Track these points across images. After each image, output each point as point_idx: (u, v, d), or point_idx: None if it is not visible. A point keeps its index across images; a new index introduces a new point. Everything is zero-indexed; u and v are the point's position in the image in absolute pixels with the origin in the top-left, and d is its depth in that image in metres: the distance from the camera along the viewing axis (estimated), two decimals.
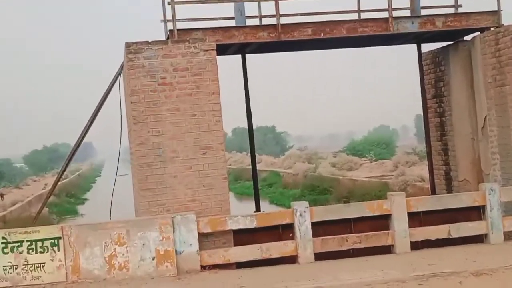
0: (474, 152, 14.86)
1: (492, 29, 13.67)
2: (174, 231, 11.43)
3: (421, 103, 16.29)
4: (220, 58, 12.84)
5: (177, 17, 12.63)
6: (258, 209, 15.32)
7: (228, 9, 13.56)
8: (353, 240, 12.09)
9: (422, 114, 16.60)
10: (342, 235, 12.12)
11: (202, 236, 11.67)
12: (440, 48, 15.73)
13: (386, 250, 12.20)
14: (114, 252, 11.26)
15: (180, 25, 12.69)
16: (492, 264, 10.48)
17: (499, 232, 12.35)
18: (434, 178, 16.31)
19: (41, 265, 11.14)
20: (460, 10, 14.04)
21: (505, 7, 13.70)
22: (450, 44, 15.24)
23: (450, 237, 12.32)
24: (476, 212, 12.59)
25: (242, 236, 12.07)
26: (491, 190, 12.40)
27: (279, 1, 13.04)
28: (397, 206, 12.17)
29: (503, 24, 13.45)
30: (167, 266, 11.30)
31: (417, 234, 12.23)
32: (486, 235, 12.43)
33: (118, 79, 13.51)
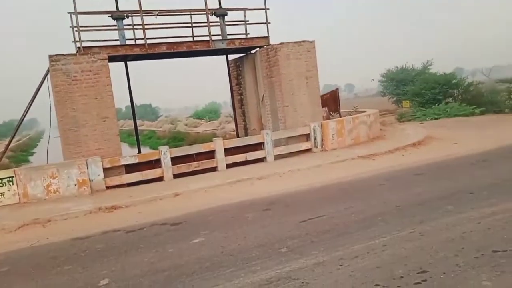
0: (258, 113, 15.63)
1: (265, 46, 14.38)
2: (87, 168, 11.20)
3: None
4: (111, 64, 12.42)
5: (82, 39, 12.04)
6: (139, 151, 15.38)
7: (115, 34, 13.06)
8: (195, 165, 12.47)
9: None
10: (189, 163, 12.45)
11: (105, 170, 11.51)
12: (238, 57, 16.23)
13: (213, 169, 12.65)
14: (49, 183, 10.90)
15: (84, 44, 12.13)
16: (268, 172, 11.47)
17: (271, 156, 13.27)
18: (238, 129, 16.97)
19: (2, 194, 10.63)
20: (249, 36, 14.54)
21: (272, 33, 14.34)
22: (244, 55, 15.81)
23: (247, 159, 13.06)
24: (260, 146, 13.35)
25: (130, 168, 11.99)
26: (267, 133, 13.29)
27: (145, 30, 12.80)
28: (218, 145, 12.73)
29: (270, 44, 14.18)
30: (85, 189, 11.13)
31: (229, 159, 12.84)
32: (265, 157, 13.28)
33: (47, 77, 12.46)
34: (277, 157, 13.54)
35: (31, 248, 7.36)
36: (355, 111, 17.66)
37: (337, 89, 18.25)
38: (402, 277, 4.56)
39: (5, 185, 10.71)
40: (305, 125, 14.06)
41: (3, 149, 15.63)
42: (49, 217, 9.06)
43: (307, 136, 14.07)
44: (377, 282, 4.48)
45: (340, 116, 16.61)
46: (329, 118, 16.08)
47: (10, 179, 10.75)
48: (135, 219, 8.43)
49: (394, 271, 4.71)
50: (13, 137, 14.91)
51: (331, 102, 17.10)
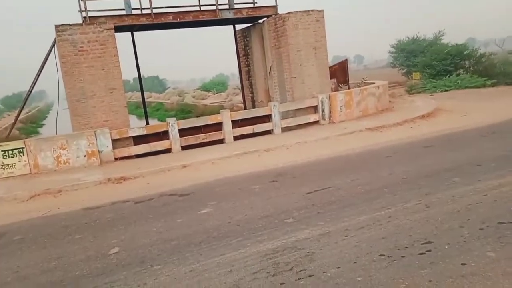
0: (266, 85, 15.47)
1: (272, 16, 14.11)
2: (96, 139, 11.33)
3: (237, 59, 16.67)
4: (118, 36, 12.34)
5: (88, 9, 11.95)
6: (147, 123, 15.43)
7: (121, 4, 12.79)
8: (203, 137, 12.52)
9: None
10: (196, 135, 12.51)
11: (114, 141, 11.63)
12: (246, 27, 15.95)
13: (221, 141, 12.73)
14: (59, 154, 11.08)
15: (90, 14, 12.00)
16: (275, 144, 11.50)
17: (278, 128, 13.26)
18: (245, 101, 16.96)
19: (13, 165, 10.82)
20: (256, 5, 14.26)
21: (280, 2, 14.06)
22: (252, 25, 15.51)
23: (254, 132, 13.06)
24: (267, 118, 13.34)
25: (138, 139, 12.13)
26: (274, 105, 13.25)
27: (151, 0, 12.75)
28: (225, 117, 12.73)
29: (278, 13, 13.94)
30: (94, 160, 11.29)
31: (236, 131, 12.84)
32: (272, 130, 13.26)
33: (53, 48, 12.40)
34: (285, 129, 13.53)
35: (43, 217, 7.53)
36: (364, 82, 17.44)
37: (346, 60, 17.98)
38: (406, 247, 4.61)
39: (16, 156, 10.87)
40: (313, 96, 13.95)
41: (13, 121, 15.78)
42: (59, 187, 9.22)
43: (315, 108, 13.98)
44: (382, 252, 4.55)
45: (349, 88, 16.43)
46: (337, 90, 15.91)
47: (21, 150, 10.90)
48: (144, 190, 8.55)
49: (399, 241, 4.77)
50: (22, 109, 15.03)
51: (339, 73, 16.88)
